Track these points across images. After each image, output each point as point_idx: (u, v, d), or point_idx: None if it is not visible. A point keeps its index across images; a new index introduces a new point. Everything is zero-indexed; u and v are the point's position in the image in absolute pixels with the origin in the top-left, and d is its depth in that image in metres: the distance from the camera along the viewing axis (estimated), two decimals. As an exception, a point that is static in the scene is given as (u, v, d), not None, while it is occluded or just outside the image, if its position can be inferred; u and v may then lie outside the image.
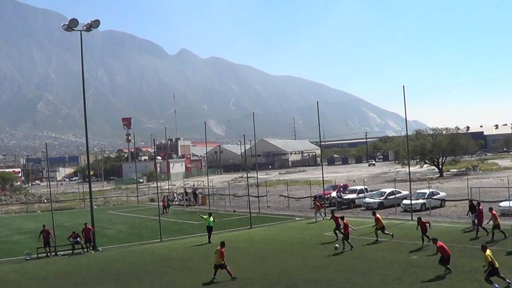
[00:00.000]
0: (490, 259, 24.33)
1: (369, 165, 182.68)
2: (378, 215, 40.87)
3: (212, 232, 44.34)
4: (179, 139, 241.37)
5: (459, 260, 31.32)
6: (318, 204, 54.94)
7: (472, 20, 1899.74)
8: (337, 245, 36.98)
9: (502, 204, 48.08)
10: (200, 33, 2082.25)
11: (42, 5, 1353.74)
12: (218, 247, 30.57)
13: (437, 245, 28.70)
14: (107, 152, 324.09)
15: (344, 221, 37.74)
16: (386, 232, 39.53)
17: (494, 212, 38.23)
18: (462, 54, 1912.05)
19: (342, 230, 37.71)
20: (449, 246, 35.50)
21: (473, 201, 43.97)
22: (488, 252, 24.64)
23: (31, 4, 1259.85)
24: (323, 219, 52.52)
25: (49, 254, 42.38)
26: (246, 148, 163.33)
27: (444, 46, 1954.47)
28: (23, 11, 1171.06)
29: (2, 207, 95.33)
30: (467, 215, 43.94)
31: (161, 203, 70.36)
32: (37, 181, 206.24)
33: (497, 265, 24.43)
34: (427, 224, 36.67)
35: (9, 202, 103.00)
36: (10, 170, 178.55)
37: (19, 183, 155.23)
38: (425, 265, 30.50)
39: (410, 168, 61.67)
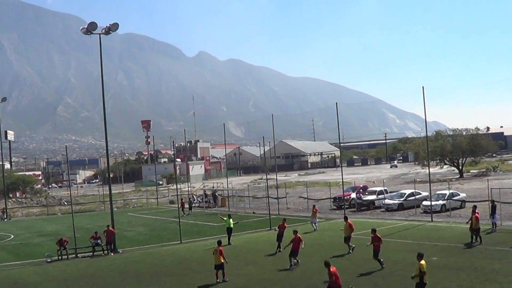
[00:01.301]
0: (422, 270, 22.40)
1: (391, 167, 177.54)
2: (350, 221, 38.02)
3: (232, 234, 44.53)
4: (198, 141, 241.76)
5: (481, 261, 31.23)
6: (315, 210, 51.42)
7: (492, 20, 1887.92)
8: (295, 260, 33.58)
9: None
10: (218, 35, 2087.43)
11: (61, 9, 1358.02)
12: (216, 247, 30.75)
13: (331, 270, 23.84)
14: (126, 154, 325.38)
15: (297, 236, 33.76)
16: (349, 244, 36.68)
17: (477, 215, 37.68)
18: (482, 54, 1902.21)
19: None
20: (469, 247, 35.47)
21: (495, 202, 43.76)
22: (423, 262, 22.60)
23: (50, 8, 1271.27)
24: (316, 229, 49.30)
25: (67, 256, 42.57)
26: (266, 150, 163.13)
27: (463, 46, 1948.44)
28: (42, 15, 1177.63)
29: (23, 210, 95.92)
30: (490, 216, 43.52)
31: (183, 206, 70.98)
32: (53, 184, 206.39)
33: (426, 281, 22.56)
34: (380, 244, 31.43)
35: (29, 205, 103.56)
36: (31, 173, 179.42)
37: (39, 186, 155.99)
38: (445, 267, 30.38)
39: (430, 169, 61.41)
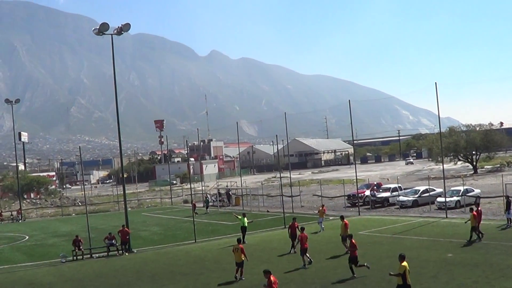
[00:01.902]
0: (403, 272, 21.67)
1: (406, 164, 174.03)
2: (346, 221, 37.59)
3: (246, 232, 44.53)
4: (211, 140, 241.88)
5: (495, 257, 31.06)
6: (323, 209, 49.97)
7: (505, 14, 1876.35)
8: (310, 259, 33.34)
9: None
10: (230, 34, 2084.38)
11: (72, 10, 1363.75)
12: (236, 245, 30.78)
13: (270, 279, 21.80)
14: (140, 154, 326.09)
15: (303, 234, 33.08)
16: (346, 244, 34.86)
17: (474, 212, 37.27)
18: (495, 49, 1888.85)
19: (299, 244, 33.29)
20: (484, 243, 35.31)
21: (510, 198, 43.48)
22: (404, 263, 21.85)
23: (61, 9, 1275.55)
24: (322, 229, 48.02)
25: (82, 256, 42.72)
26: (279, 148, 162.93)
27: (476, 41, 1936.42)
28: (54, 16, 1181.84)
29: (38, 211, 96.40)
30: (505, 212, 43.27)
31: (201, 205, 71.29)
32: (67, 185, 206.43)
33: (409, 282, 21.83)
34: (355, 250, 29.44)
35: (44, 206, 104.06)
36: (45, 174, 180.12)
37: (53, 186, 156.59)
38: (460, 263, 30.22)
39: (444, 165, 61.19)
